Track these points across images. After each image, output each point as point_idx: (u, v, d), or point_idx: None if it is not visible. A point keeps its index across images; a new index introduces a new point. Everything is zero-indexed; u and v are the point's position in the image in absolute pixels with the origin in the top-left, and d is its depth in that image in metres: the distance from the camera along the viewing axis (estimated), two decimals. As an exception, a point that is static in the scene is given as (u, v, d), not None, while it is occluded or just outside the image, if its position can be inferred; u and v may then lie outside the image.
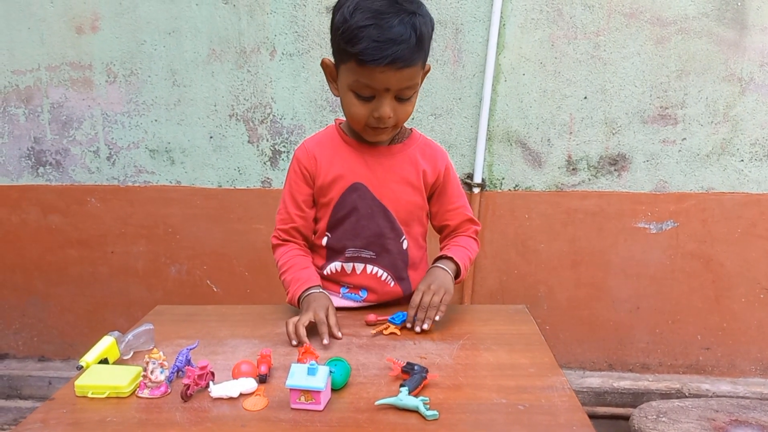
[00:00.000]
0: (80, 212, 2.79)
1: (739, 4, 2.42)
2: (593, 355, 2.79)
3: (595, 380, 2.73)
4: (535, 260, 2.70)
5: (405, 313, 1.44)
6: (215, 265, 2.79)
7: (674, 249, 2.65)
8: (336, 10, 1.34)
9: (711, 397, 2.63)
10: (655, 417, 2.22)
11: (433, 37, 1.38)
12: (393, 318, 1.44)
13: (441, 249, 1.58)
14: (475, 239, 1.61)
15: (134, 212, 2.77)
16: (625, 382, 2.73)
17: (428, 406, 1.06)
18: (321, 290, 1.47)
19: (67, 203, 2.78)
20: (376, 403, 1.07)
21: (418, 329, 1.38)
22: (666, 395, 2.66)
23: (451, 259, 1.50)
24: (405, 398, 1.06)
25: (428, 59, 1.39)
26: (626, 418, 2.42)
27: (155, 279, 2.82)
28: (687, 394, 2.67)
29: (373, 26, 1.24)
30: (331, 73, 1.42)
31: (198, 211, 2.74)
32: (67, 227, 2.80)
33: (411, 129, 1.57)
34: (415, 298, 1.41)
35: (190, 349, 1.19)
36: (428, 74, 1.44)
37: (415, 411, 1.05)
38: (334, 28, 1.33)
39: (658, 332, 2.74)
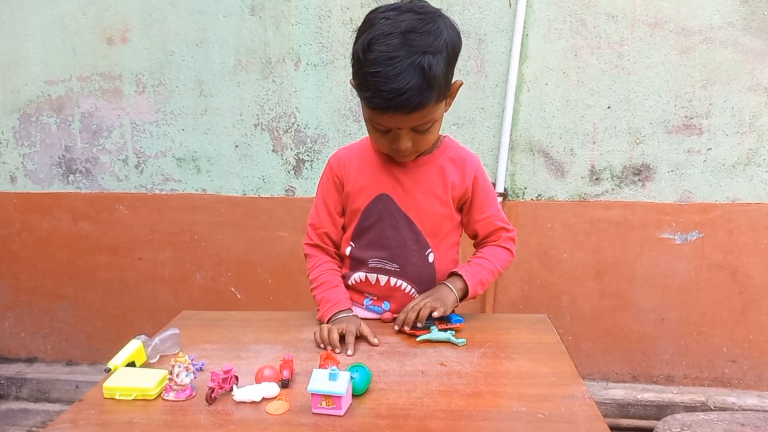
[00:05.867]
0: (109, 219, 2.85)
1: (765, 13, 2.40)
2: (617, 367, 2.77)
3: (618, 392, 2.71)
4: (558, 270, 2.69)
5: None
6: (239, 272, 2.83)
7: (700, 260, 2.62)
8: (358, 35, 1.32)
9: (737, 410, 2.59)
10: (679, 430, 2.20)
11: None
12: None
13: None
14: (504, 248, 1.58)
15: (161, 219, 2.82)
16: (649, 394, 2.70)
17: (455, 336, 1.39)
18: (351, 314, 1.50)
19: (97, 210, 2.85)
20: (417, 339, 1.40)
21: (396, 328, 1.46)
22: (691, 408, 2.63)
23: (461, 277, 1.50)
24: (436, 333, 1.39)
25: (460, 82, 1.38)
26: (650, 430, 2.39)
27: (181, 285, 2.86)
28: (712, 407, 2.64)
29: (380, 74, 1.22)
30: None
31: (223, 219, 2.79)
32: (96, 234, 2.86)
33: (444, 137, 1.54)
34: (410, 304, 1.45)
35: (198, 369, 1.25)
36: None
37: (433, 420, 1.06)
38: (352, 59, 1.33)
39: (683, 344, 2.71)
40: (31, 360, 3.04)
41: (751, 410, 2.58)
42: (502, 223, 1.58)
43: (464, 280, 1.50)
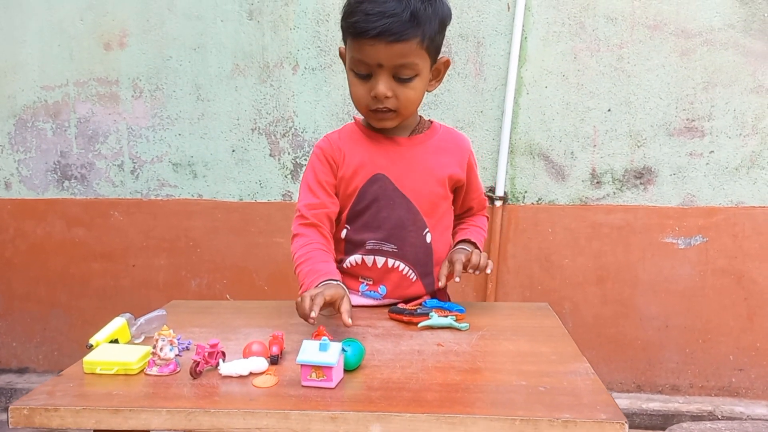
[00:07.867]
0: (104, 225, 2.81)
1: (765, 15, 2.40)
2: (620, 376, 2.69)
3: (622, 402, 2.63)
4: (560, 275, 2.64)
5: (434, 300, 1.45)
6: (235, 279, 2.78)
7: (704, 265, 2.57)
8: None
9: (746, 419, 2.51)
10: (686, 437, 2.13)
11: (454, 47, 1.39)
12: (425, 304, 1.42)
13: (458, 229, 1.61)
14: (486, 216, 1.67)
15: (156, 225, 2.78)
16: (654, 403, 2.63)
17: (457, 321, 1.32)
18: (339, 283, 1.33)
19: (91, 216, 2.81)
20: (418, 326, 1.31)
21: (477, 272, 1.44)
22: (697, 418, 2.55)
23: (474, 244, 1.54)
24: (436, 319, 1.31)
25: (447, 58, 1.40)
26: (656, 440, 2.32)
27: (176, 292, 2.80)
28: (719, 416, 2.56)
29: (368, 1, 1.29)
30: (344, 59, 1.44)
31: (219, 225, 2.75)
32: (90, 240, 2.82)
33: (430, 121, 1.55)
34: (461, 257, 1.43)
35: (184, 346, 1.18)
36: (450, 86, 1.44)
37: (434, 385, 1.01)
38: (342, 11, 1.37)
39: (689, 352, 2.64)
40: (22, 370, 2.97)
41: (760, 420, 2.51)
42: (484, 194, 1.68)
43: (478, 247, 1.54)
